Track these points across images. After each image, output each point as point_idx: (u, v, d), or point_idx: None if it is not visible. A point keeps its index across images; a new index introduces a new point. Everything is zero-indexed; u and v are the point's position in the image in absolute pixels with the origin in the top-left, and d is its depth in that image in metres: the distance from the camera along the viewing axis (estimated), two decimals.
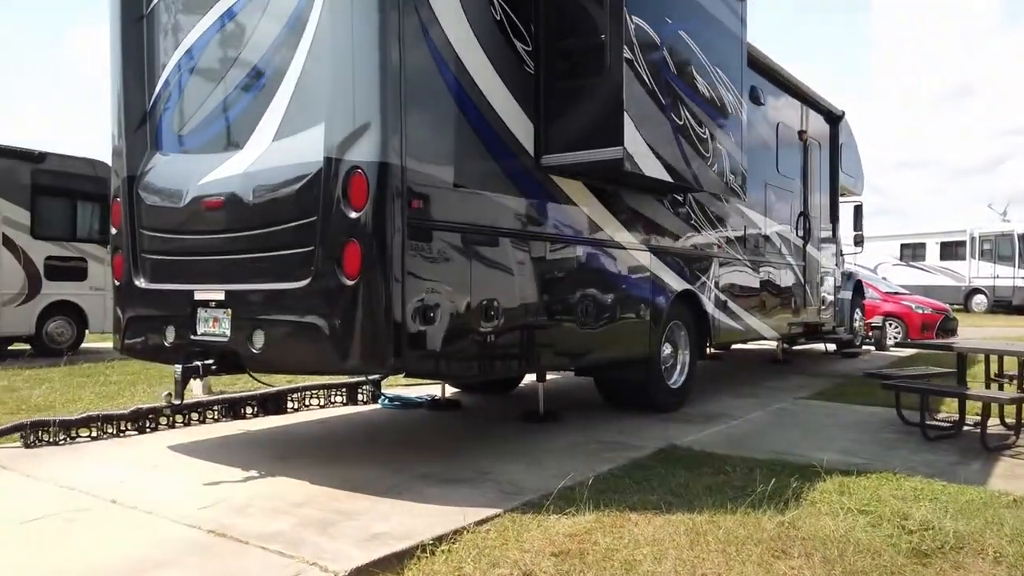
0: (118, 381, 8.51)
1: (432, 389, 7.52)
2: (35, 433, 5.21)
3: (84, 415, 5.50)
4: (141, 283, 5.09)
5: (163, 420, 5.84)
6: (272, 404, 6.51)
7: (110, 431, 5.54)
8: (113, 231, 5.34)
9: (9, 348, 12.25)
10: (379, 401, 7.08)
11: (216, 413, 6.19)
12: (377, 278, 4.04)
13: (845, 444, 5.48)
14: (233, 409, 6.30)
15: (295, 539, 3.38)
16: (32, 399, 7.20)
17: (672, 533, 3.51)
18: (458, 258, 4.45)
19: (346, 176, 4.06)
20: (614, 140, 4.81)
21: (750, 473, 4.55)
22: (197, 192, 4.73)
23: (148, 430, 5.72)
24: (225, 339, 4.53)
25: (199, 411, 6.07)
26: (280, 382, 7.09)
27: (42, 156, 12.18)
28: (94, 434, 5.46)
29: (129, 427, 5.65)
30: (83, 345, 12.92)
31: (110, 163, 5.40)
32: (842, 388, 8.47)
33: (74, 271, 12.46)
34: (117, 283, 5.29)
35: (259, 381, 5.71)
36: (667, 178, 5.38)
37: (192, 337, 4.69)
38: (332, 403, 6.99)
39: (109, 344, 13.96)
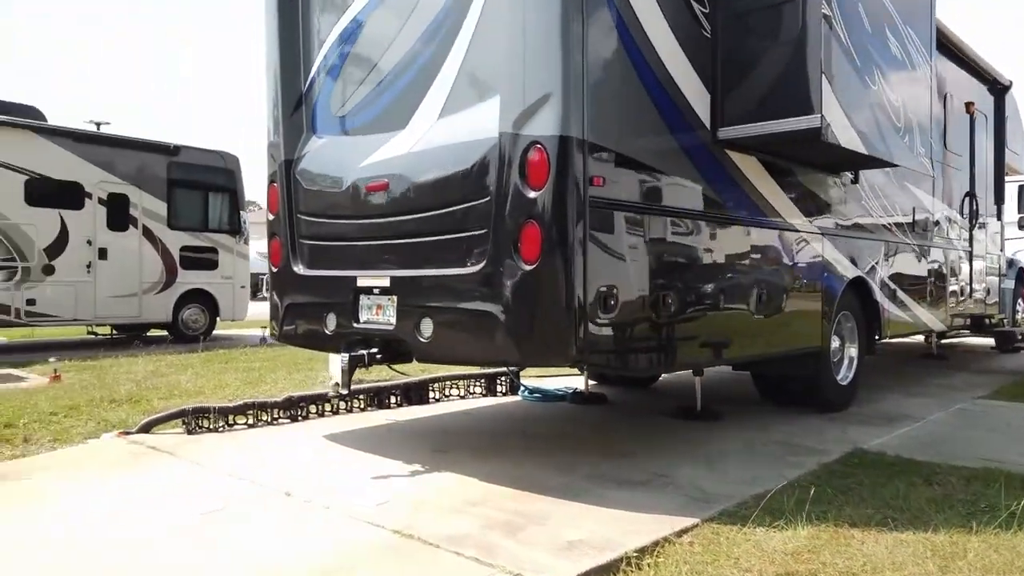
0: (259, 368, 8.64)
1: (570, 381, 7.22)
2: (196, 420, 5.23)
3: (241, 402, 5.50)
4: (300, 269, 4.97)
5: (313, 408, 5.80)
6: (415, 394, 6.37)
7: (264, 418, 5.52)
8: (270, 216, 5.23)
9: (145, 335, 12.84)
10: (519, 393, 6.83)
11: (362, 402, 6.11)
12: (557, 262, 3.71)
13: None
14: (378, 398, 6.20)
15: (485, 544, 3.14)
16: (181, 384, 7.37)
17: (912, 556, 3.06)
18: (637, 241, 4.08)
19: (524, 152, 3.75)
20: (809, 107, 4.29)
21: (968, 484, 4.02)
22: (358, 175, 4.55)
23: (300, 418, 5.68)
24: (390, 327, 4.33)
25: (345, 400, 5.99)
26: (414, 372, 6.95)
27: (177, 149, 12.64)
28: (250, 421, 5.45)
29: (282, 415, 5.62)
30: (214, 332, 13.42)
31: (266, 149, 5.30)
32: (1023, 387, 7.61)
33: (206, 261, 12.92)
34: (275, 269, 5.19)
35: (397, 371, 5.56)
36: (862, 150, 4.79)
37: (355, 325, 4.53)
38: (471, 394, 6.80)
39: (239, 331, 14.66)
